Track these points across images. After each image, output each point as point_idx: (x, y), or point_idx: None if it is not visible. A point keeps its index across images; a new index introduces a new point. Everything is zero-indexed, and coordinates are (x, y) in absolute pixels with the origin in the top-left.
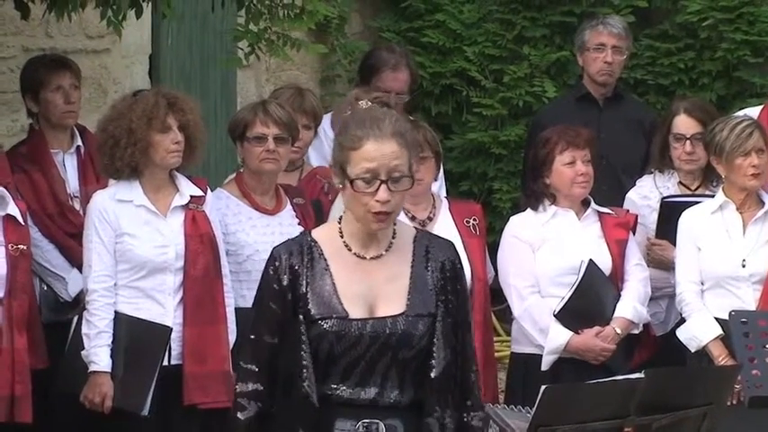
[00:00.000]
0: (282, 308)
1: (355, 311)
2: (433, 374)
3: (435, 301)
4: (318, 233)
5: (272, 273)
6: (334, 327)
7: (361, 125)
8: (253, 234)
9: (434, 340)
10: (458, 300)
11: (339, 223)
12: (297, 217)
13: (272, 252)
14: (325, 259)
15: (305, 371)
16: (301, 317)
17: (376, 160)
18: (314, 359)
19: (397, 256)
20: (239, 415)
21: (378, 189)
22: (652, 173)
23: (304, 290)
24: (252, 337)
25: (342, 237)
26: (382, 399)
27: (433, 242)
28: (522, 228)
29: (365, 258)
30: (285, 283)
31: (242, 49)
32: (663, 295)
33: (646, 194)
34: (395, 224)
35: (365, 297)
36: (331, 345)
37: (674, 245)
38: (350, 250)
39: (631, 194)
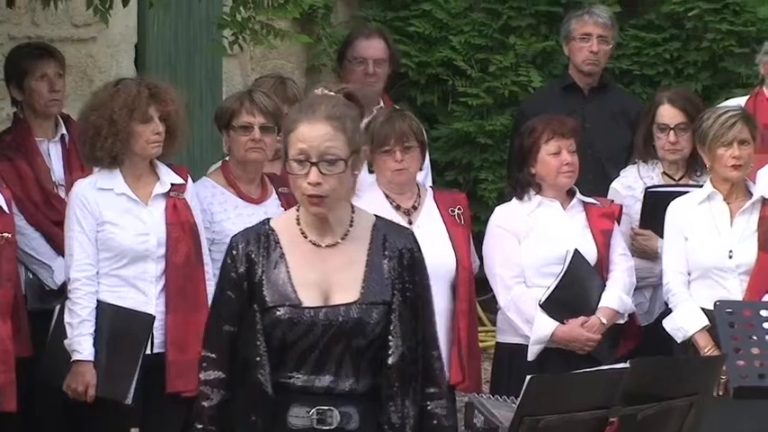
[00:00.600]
0: (239, 296)
1: (309, 299)
2: (389, 362)
3: (392, 289)
4: (277, 221)
5: (229, 261)
6: (287, 314)
7: (299, 109)
8: (238, 223)
9: (390, 328)
10: (417, 288)
11: (297, 211)
12: (282, 206)
13: (230, 240)
14: (281, 247)
15: (259, 359)
16: (256, 305)
17: (306, 141)
18: (268, 347)
19: (353, 243)
20: (204, 403)
21: (309, 171)
22: (636, 163)
23: (259, 278)
24: (212, 325)
25: (299, 224)
26: (337, 386)
27: (392, 230)
28: (507, 218)
29: (320, 246)
30: (241, 271)
31: (226, 38)
32: (647, 285)
33: (630, 184)
34: (353, 212)
35: (320, 285)
36: (284, 332)
37: (658, 235)
38: (306, 237)
39: (615, 184)
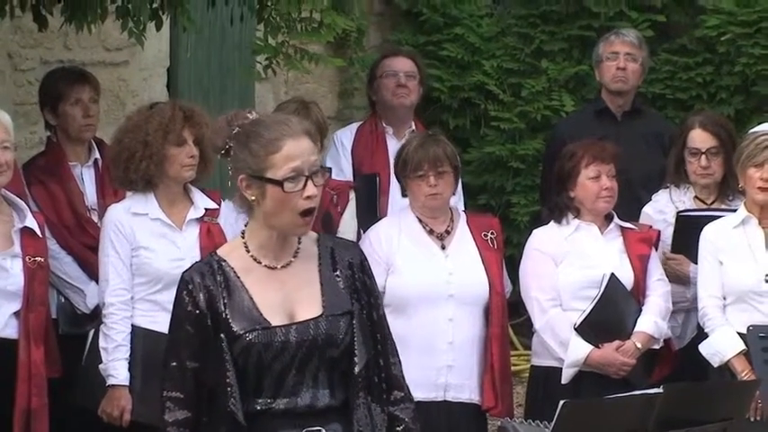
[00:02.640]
0: (201, 330)
1: (276, 320)
2: (356, 370)
3: (350, 298)
4: (224, 251)
5: (186, 296)
6: (260, 337)
7: (271, 128)
8: None
9: (354, 337)
10: (369, 296)
11: (243, 237)
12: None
13: (182, 277)
14: (238, 276)
15: (230, 389)
16: (222, 335)
17: (298, 158)
18: (243, 374)
19: (304, 261)
20: None
21: (305, 186)
22: (668, 187)
23: (222, 309)
24: (173, 363)
25: (248, 251)
26: (317, 402)
27: (337, 244)
28: (544, 241)
29: (276, 268)
30: (202, 304)
31: (260, 63)
32: (679, 309)
33: (661, 209)
34: None
35: (283, 305)
36: (259, 354)
37: (690, 259)
38: (259, 263)
39: (647, 209)
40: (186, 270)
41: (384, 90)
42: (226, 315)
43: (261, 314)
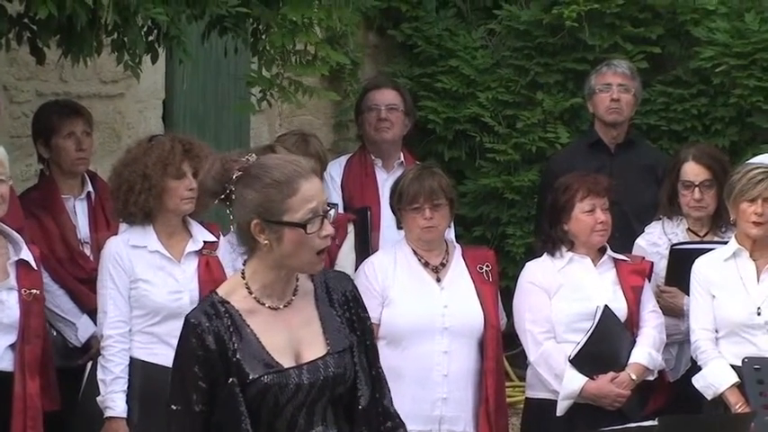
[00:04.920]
0: (209, 372)
1: (285, 362)
2: (361, 405)
3: (349, 332)
4: (225, 291)
5: (193, 339)
6: (275, 379)
7: (284, 169)
8: None
9: (357, 371)
10: (364, 328)
11: (243, 278)
12: None
13: (187, 319)
14: (243, 318)
15: None
16: (235, 379)
17: (315, 198)
18: (256, 417)
19: (302, 298)
20: None
21: (322, 225)
22: (660, 219)
23: (233, 351)
24: (179, 407)
25: (251, 293)
26: None
27: (330, 277)
28: (538, 273)
29: (279, 308)
30: (212, 347)
31: (254, 95)
32: (673, 342)
33: (654, 241)
34: None
35: (289, 346)
36: (276, 398)
37: (684, 292)
38: (263, 304)
39: (640, 241)
40: (191, 312)
41: (366, 124)
42: (237, 359)
43: (272, 357)
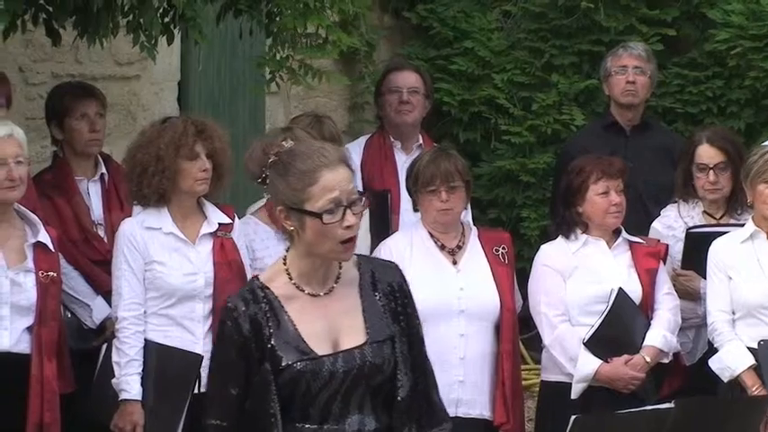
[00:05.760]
0: (245, 358)
1: (321, 349)
2: (399, 396)
3: (391, 323)
4: (266, 277)
5: (230, 324)
6: (308, 367)
7: (307, 159)
8: None
9: (397, 361)
10: (409, 320)
11: (285, 264)
12: None
13: (226, 303)
14: (282, 304)
15: (273, 419)
16: (268, 365)
17: (337, 188)
18: (290, 402)
19: (345, 286)
20: None
21: (344, 216)
22: (676, 202)
23: (268, 337)
24: (216, 390)
25: (291, 279)
26: (364, 429)
27: (377, 266)
28: (552, 256)
29: (319, 295)
30: (246, 332)
31: (266, 77)
32: (689, 326)
33: (670, 224)
34: None
35: (327, 333)
36: (308, 384)
37: (700, 275)
38: (302, 291)
39: (656, 224)
40: (230, 296)
41: (387, 107)
42: (272, 344)
43: (307, 344)
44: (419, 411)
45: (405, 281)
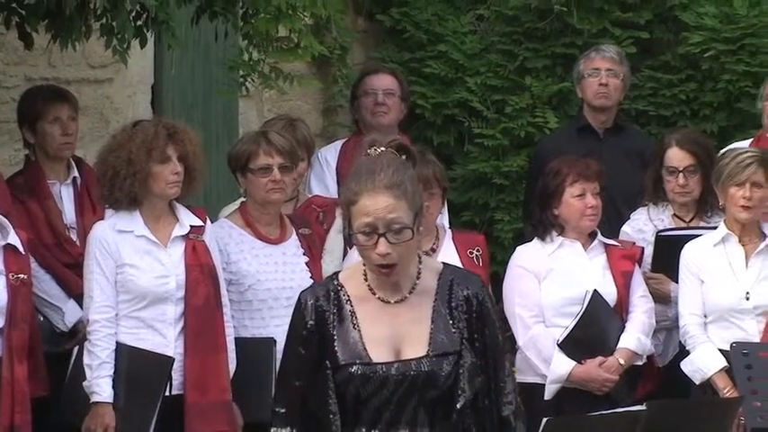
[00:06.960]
0: (309, 351)
1: (380, 356)
2: (455, 415)
3: (460, 338)
4: (345, 276)
5: (298, 317)
6: (360, 371)
7: (357, 179)
8: (255, 264)
9: (460, 376)
10: (485, 335)
11: (364, 265)
12: (302, 247)
13: (299, 296)
14: (351, 304)
15: (332, 416)
16: (328, 362)
17: (372, 214)
18: (343, 403)
19: (420, 297)
20: None
21: (377, 243)
22: (646, 205)
23: (331, 334)
24: (282, 379)
25: (366, 280)
26: None
27: (459, 276)
28: (527, 258)
29: (389, 302)
30: (311, 327)
31: (238, 80)
32: (660, 328)
33: (640, 227)
34: (420, 263)
35: (391, 340)
36: (357, 389)
37: (670, 278)
38: (374, 294)
39: (626, 228)
40: (303, 290)
41: (363, 109)
42: (333, 342)
43: (365, 348)
44: (485, 429)
45: (486, 292)
